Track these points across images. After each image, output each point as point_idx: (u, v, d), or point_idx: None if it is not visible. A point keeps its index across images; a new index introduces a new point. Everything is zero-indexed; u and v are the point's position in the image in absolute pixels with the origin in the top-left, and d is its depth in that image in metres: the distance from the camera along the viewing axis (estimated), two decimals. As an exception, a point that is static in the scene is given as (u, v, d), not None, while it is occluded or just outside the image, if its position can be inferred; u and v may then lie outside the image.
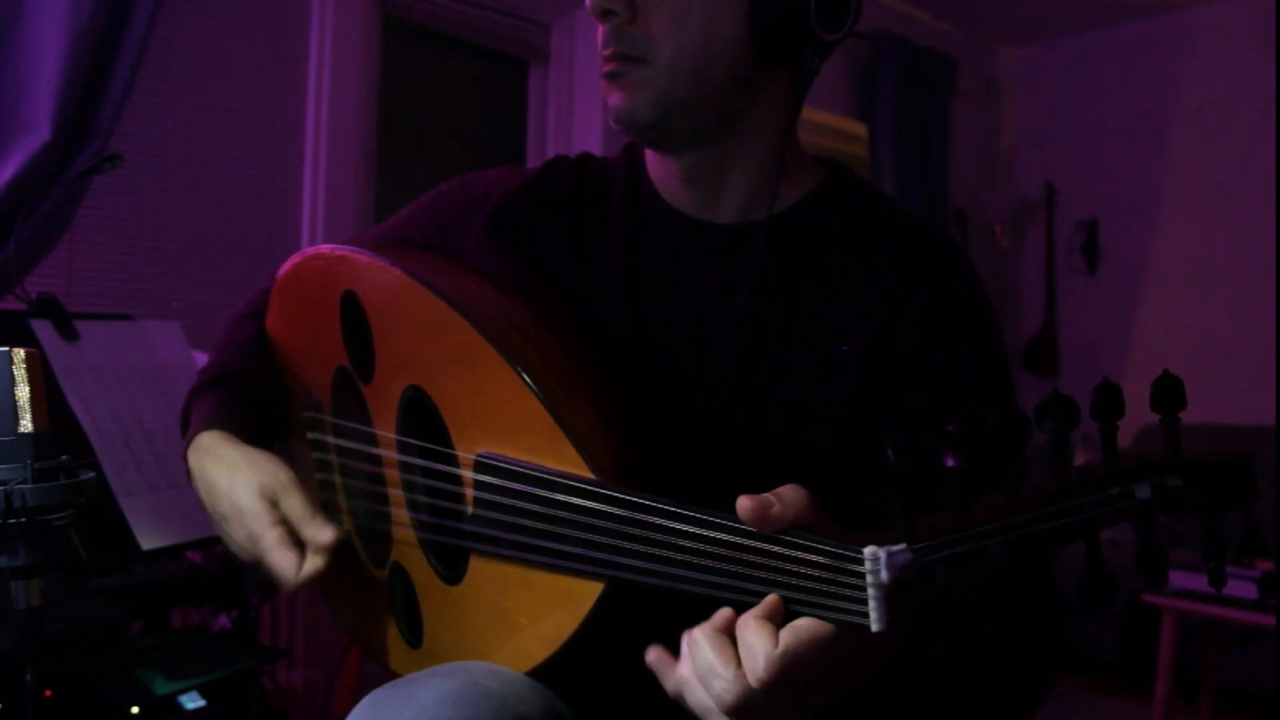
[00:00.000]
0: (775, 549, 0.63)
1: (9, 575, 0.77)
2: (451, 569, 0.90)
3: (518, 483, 0.80)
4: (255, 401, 1.06)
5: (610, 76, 0.88)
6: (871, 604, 0.58)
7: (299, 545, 0.92)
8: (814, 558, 0.61)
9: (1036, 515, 0.57)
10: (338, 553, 0.93)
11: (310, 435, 1.07)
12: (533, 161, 3.35)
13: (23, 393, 0.77)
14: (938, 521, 0.58)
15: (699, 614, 0.66)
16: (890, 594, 0.57)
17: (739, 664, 0.62)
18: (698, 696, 0.64)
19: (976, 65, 4.76)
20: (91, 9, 1.87)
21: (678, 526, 0.68)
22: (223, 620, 1.67)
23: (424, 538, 0.93)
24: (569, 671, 0.82)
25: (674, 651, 0.68)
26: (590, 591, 0.76)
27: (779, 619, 0.62)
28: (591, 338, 0.90)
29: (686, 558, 0.68)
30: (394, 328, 0.94)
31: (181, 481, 1.47)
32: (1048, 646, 0.82)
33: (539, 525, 0.78)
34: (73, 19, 1.85)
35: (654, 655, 0.69)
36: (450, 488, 0.88)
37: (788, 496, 0.63)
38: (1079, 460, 0.59)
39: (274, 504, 0.93)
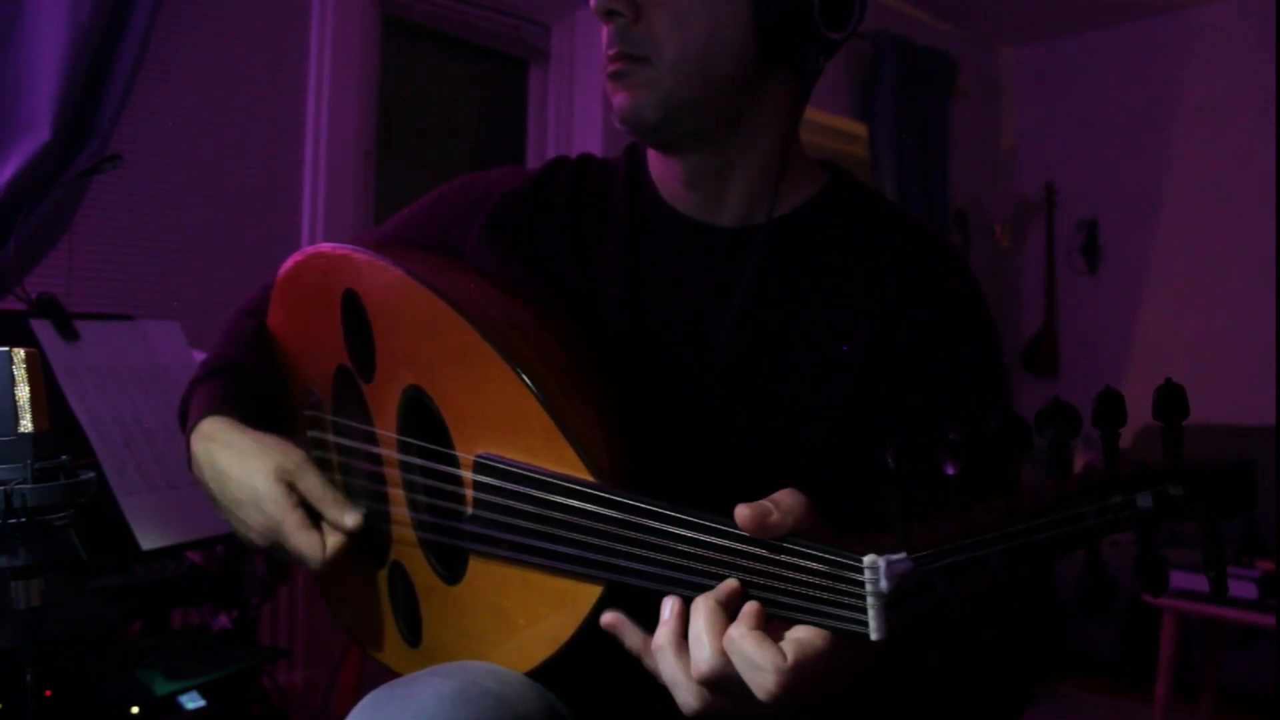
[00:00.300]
0: (773, 555, 0.63)
1: (9, 575, 0.77)
2: (451, 569, 0.90)
3: (517, 484, 0.80)
4: (255, 394, 1.06)
5: (615, 76, 0.88)
6: (871, 613, 0.57)
7: (317, 524, 0.93)
8: (813, 565, 0.61)
9: (1037, 524, 0.56)
10: (344, 550, 0.93)
11: (310, 434, 1.07)
12: (533, 161, 3.35)
13: (23, 393, 0.77)
14: (937, 529, 0.57)
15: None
16: (890, 603, 0.57)
17: (780, 657, 0.60)
18: (669, 668, 0.65)
19: (976, 65, 4.76)
20: (91, 9, 1.87)
21: (675, 531, 0.68)
22: (223, 620, 1.67)
23: (424, 537, 0.93)
24: (568, 672, 0.82)
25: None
26: (589, 593, 0.76)
27: (764, 620, 0.62)
28: (591, 339, 0.90)
29: (684, 562, 0.67)
30: (394, 327, 0.94)
31: (181, 481, 1.48)
32: (1042, 653, 0.82)
33: (538, 526, 0.78)
34: (73, 19, 1.85)
35: (610, 618, 0.70)
36: (450, 488, 0.88)
37: (785, 503, 0.63)
38: (1079, 461, 0.59)
39: (291, 486, 0.93)
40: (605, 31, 0.88)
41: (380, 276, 0.94)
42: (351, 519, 0.92)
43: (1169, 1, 4.34)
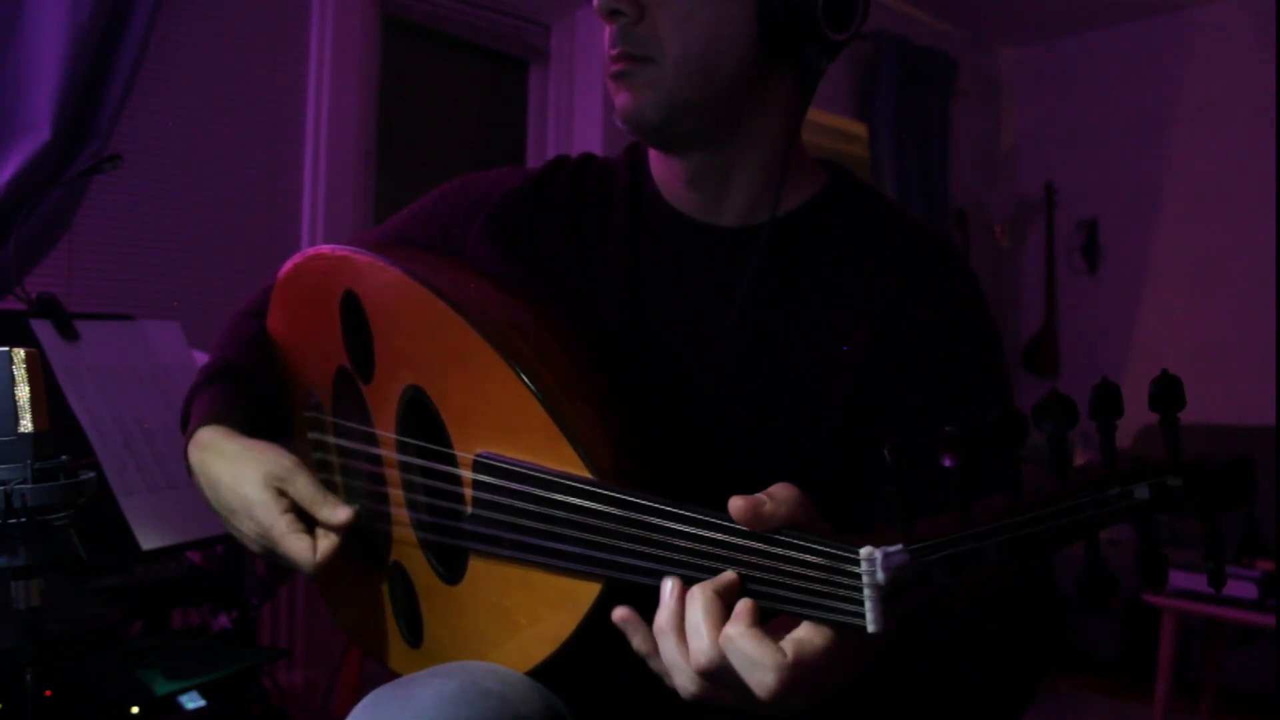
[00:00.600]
0: (771, 549, 0.63)
1: (9, 575, 0.78)
2: (451, 569, 0.90)
3: (516, 482, 0.80)
4: (256, 397, 1.06)
5: (617, 76, 0.88)
6: (868, 605, 0.57)
7: (310, 528, 0.93)
8: (810, 558, 0.61)
9: (1035, 516, 0.56)
10: (338, 552, 0.93)
11: (310, 435, 1.07)
12: (533, 161, 3.35)
13: (23, 393, 0.77)
14: (935, 522, 0.57)
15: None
16: (886, 595, 0.57)
17: (780, 654, 0.60)
18: (669, 651, 0.65)
19: (976, 65, 4.76)
20: (91, 9, 1.87)
21: (675, 527, 0.68)
22: (223, 620, 1.67)
23: (424, 537, 0.93)
24: (569, 671, 0.82)
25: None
26: (589, 592, 0.76)
27: (758, 614, 0.62)
28: (591, 339, 0.90)
29: (684, 558, 0.68)
30: (394, 327, 0.94)
31: (181, 481, 1.48)
32: (1046, 646, 0.82)
33: (537, 525, 0.78)
34: (73, 19, 1.85)
35: (622, 613, 0.69)
36: (449, 487, 0.88)
37: (779, 495, 0.63)
38: (1078, 459, 0.60)
39: (281, 492, 0.93)
40: (607, 31, 0.88)
41: (380, 277, 0.94)
42: (342, 514, 0.92)
43: (1169, 1, 4.34)
